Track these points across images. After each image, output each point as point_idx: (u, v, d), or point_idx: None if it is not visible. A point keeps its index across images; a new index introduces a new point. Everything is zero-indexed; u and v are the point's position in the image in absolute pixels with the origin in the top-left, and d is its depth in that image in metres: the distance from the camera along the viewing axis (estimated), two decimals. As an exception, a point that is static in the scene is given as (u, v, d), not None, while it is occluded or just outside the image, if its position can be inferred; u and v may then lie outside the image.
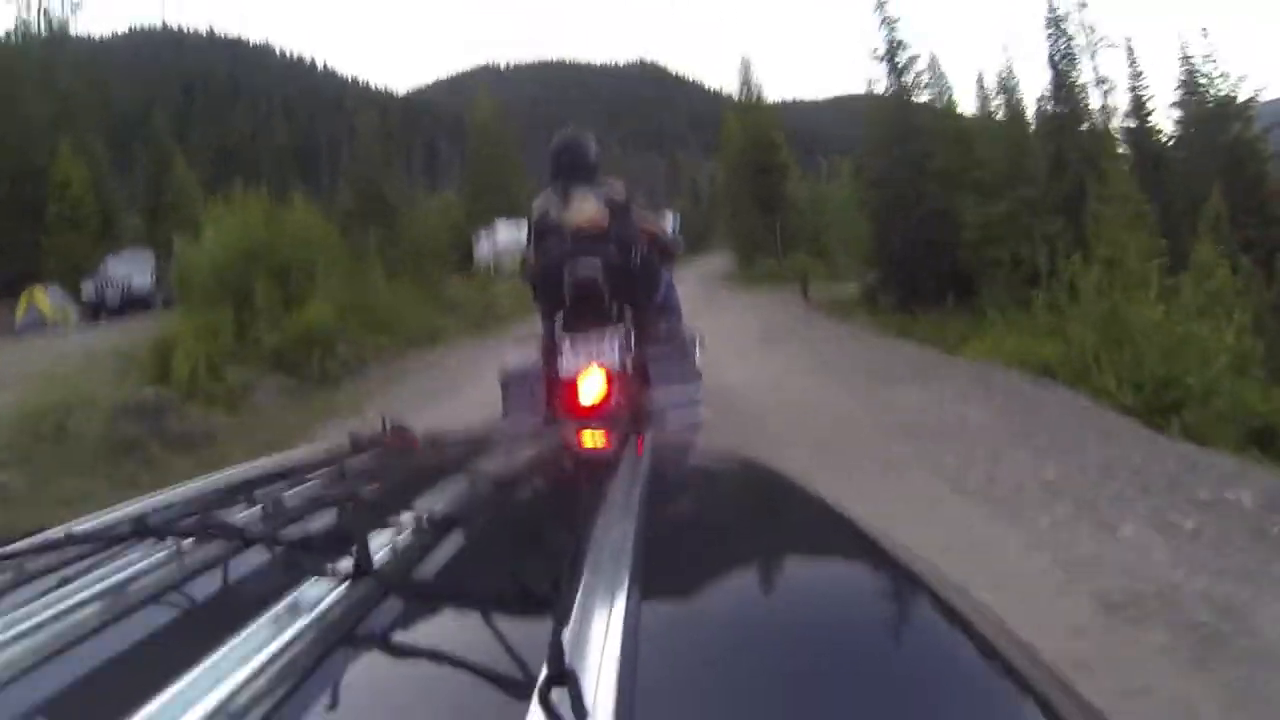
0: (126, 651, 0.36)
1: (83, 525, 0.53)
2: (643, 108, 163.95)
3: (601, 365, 2.26)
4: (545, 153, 2.60)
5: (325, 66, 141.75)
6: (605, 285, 2.33)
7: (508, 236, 19.45)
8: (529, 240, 2.61)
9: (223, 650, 0.30)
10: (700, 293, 14.13)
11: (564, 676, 0.25)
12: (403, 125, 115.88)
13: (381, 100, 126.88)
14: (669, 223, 2.99)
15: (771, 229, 20.07)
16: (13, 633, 0.35)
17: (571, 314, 2.40)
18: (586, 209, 2.41)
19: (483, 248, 23.20)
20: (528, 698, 0.25)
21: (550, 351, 2.38)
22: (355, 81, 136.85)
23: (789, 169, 20.95)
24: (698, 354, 2.50)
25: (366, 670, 0.33)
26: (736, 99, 23.35)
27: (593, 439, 0.96)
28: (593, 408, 2.22)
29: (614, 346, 2.28)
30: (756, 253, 19.60)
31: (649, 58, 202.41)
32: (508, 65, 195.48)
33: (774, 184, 20.20)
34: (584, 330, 2.33)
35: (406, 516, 0.46)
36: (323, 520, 0.53)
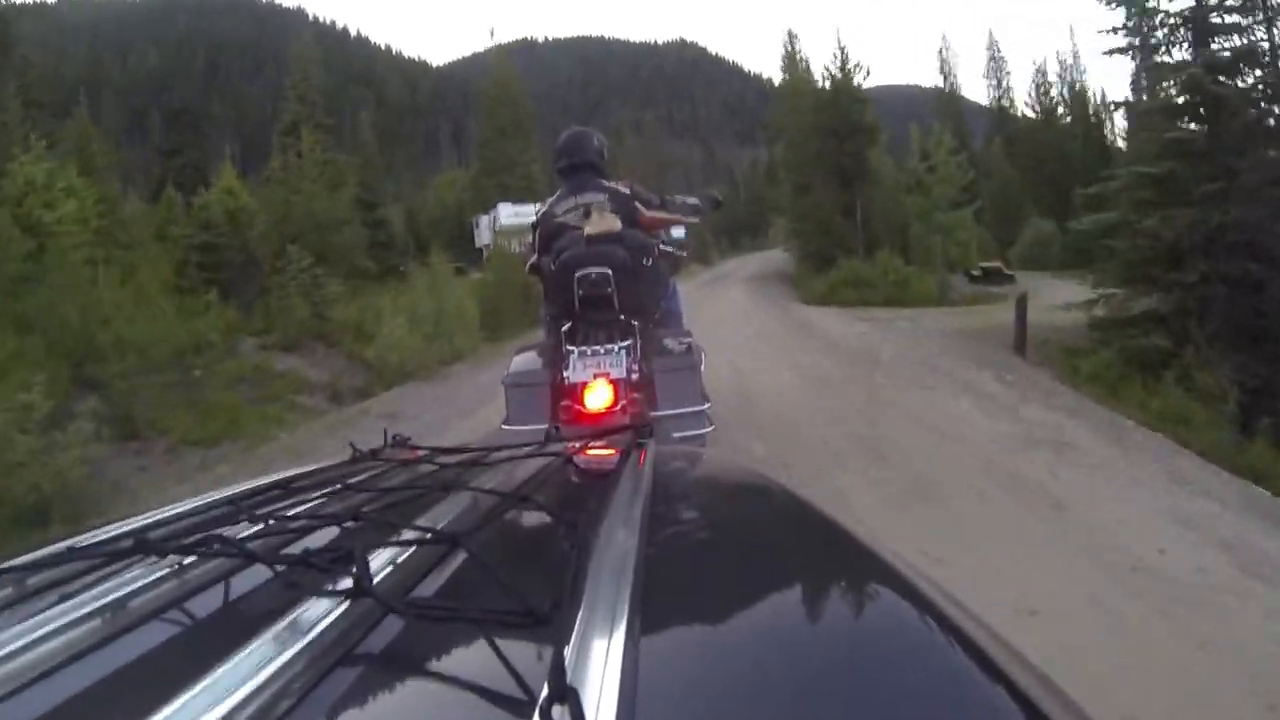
0: (126, 668, 0.36)
1: (83, 540, 0.53)
2: (680, 90, 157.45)
3: (608, 376, 2.28)
4: (551, 148, 2.72)
5: (359, 34, 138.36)
6: (615, 290, 2.30)
7: (510, 220, 16.98)
8: (534, 240, 2.63)
9: (222, 668, 0.30)
10: (765, 349, 7.05)
11: (565, 695, 0.25)
12: (432, 99, 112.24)
13: (414, 71, 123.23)
14: (686, 206, 2.77)
15: (850, 213, 14.90)
16: (12, 648, 0.35)
17: (579, 318, 2.37)
18: (605, 221, 2.39)
19: (483, 232, 21.07)
20: (529, 716, 0.25)
21: (556, 357, 2.36)
22: (389, 50, 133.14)
23: (877, 132, 15.52)
24: (702, 366, 2.42)
25: (367, 689, 0.33)
26: (783, 77, 18.52)
27: (596, 451, 0.87)
28: (597, 416, 2.22)
29: (621, 356, 2.31)
30: (833, 249, 14.37)
31: (689, 37, 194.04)
32: (545, 39, 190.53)
33: (858, 149, 14.82)
34: (591, 335, 2.36)
35: (407, 533, 0.45)
36: (323, 537, 0.50)
